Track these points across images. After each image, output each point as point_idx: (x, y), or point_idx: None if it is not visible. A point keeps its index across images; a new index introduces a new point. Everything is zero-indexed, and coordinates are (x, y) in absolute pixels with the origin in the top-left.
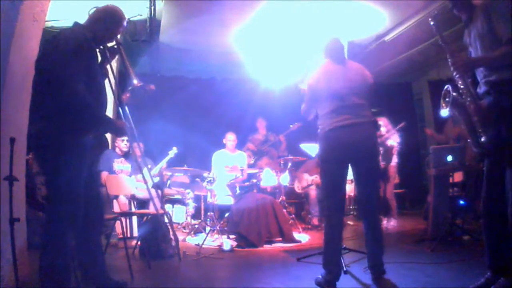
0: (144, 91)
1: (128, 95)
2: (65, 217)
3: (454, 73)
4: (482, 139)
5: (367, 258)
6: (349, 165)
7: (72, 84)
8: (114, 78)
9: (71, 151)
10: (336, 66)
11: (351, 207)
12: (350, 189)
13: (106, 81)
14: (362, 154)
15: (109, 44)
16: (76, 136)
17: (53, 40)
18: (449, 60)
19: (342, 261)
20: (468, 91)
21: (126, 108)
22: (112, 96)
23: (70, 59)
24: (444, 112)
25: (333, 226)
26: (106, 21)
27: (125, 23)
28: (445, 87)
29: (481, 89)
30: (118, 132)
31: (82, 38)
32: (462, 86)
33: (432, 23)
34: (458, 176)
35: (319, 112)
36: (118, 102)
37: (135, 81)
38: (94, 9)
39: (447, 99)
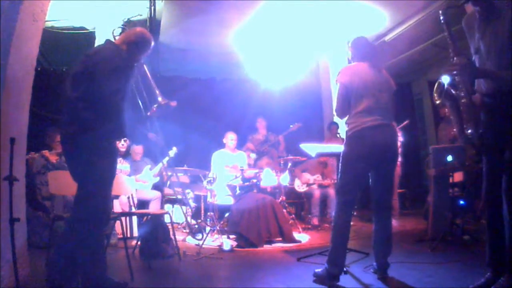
0: (168, 107)
1: (154, 110)
2: (90, 220)
3: (454, 73)
4: (469, 131)
5: (374, 257)
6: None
7: (115, 98)
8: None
9: (105, 158)
10: (371, 68)
11: None
12: None
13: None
14: (387, 155)
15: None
16: (109, 144)
17: (94, 57)
18: (454, 60)
19: None
20: (464, 85)
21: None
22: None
23: (114, 76)
24: (437, 102)
25: (345, 222)
26: (140, 44)
27: (152, 45)
28: (439, 80)
29: (482, 88)
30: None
31: (123, 58)
32: (458, 80)
33: (442, 18)
34: (458, 176)
35: (350, 111)
36: (145, 115)
37: (160, 99)
38: (119, 29)
39: (439, 91)
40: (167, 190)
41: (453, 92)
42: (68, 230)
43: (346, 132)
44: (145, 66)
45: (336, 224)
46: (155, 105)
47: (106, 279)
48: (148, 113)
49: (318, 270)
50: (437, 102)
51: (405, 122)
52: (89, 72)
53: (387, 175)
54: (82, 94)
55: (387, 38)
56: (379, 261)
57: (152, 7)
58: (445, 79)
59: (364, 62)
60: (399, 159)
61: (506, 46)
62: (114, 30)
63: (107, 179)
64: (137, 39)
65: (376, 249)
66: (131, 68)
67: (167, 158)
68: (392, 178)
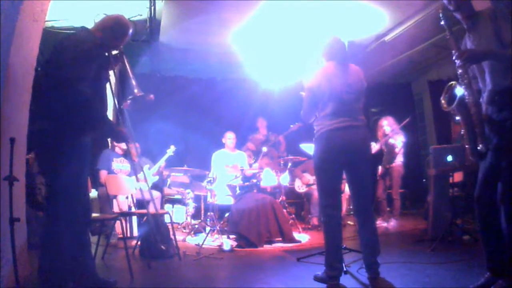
0: (144, 100)
1: (128, 102)
2: (65, 217)
3: (458, 63)
4: (479, 147)
5: (362, 258)
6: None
7: (80, 86)
8: (115, 84)
9: (73, 151)
10: (339, 69)
11: (351, 207)
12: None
13: (107, 85)
14: (358, 156)
15: (113, 52)
16: (78, 136)
17: (64, 43)
18: (454, 51)
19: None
20: (470, 90)
21: (126, 114)
22: (112, 101)
23: (81, 62)
24: (445, 108)
25: (333, 225)
26: (115, 30)
27: (130, 33)
28: (450, 83)
29: (484, 98)
30: (117, 137)
31: (93, 44)
32: (464, 85)
33: (441, 14)
34: (458, 176)
35: (317, 114)
36: (118, 108)
37: (136, 91)
38: (103, 16)
39: (447, 95)
40: (167, 190)
41: (466, 100)
42: (43, 232)
43: (314, 135)
44: (124, 55)
45: (325, 230)
46: (129, 97)
47: (95, 279)
48: (122, 106)
49: (318, 273)
50: (445, 109)
51: (407, 120)
52: (57, 59)
53: (361, 176)
54: (50, 84)
55: (387, 38)
56: (366, 261)
57: (152, 7)
58: (459, 91)
59: (333, 61)
60: (401, 159)
61: (492, 39)
62: (96, 16)
63: (75, 175)
64: (112, 24)
65: (362, 249)
66: (104, 55)
67: (165, 157)
68: (366, 178)
